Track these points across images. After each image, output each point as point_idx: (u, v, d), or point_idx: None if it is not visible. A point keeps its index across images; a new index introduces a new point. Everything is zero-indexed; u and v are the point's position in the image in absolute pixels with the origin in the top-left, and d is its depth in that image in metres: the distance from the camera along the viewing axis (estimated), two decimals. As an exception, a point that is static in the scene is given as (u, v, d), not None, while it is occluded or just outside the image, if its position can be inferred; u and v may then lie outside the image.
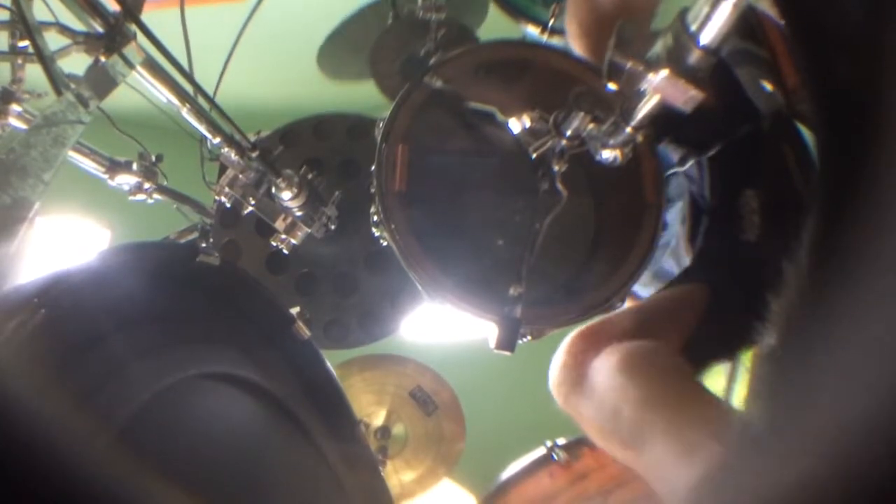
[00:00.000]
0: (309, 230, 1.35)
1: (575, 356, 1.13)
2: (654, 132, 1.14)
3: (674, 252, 1.37)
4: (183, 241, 1.83)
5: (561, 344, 1.17)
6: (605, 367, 1.07)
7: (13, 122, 1.30)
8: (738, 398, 1.69)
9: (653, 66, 0.73)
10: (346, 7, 2.08)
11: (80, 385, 0.72)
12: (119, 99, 0.95)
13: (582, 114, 0.91)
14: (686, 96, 0.71)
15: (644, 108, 0.80)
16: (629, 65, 0.75)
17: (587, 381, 1.09)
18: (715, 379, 1.65)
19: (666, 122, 0.85)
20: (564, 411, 1.14)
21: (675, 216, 1.35)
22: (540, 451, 1.67)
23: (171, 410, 0.86)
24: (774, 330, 0.40)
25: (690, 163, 1.31)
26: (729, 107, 1.24)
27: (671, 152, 1.31)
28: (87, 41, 0.92)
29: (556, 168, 1.01)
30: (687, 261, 1.34)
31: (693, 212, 1.34)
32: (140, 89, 1.02)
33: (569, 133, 0.95)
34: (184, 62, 1.05)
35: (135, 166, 1.55)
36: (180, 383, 0.87)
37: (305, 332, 1.23)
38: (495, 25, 2.00)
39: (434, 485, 2.27)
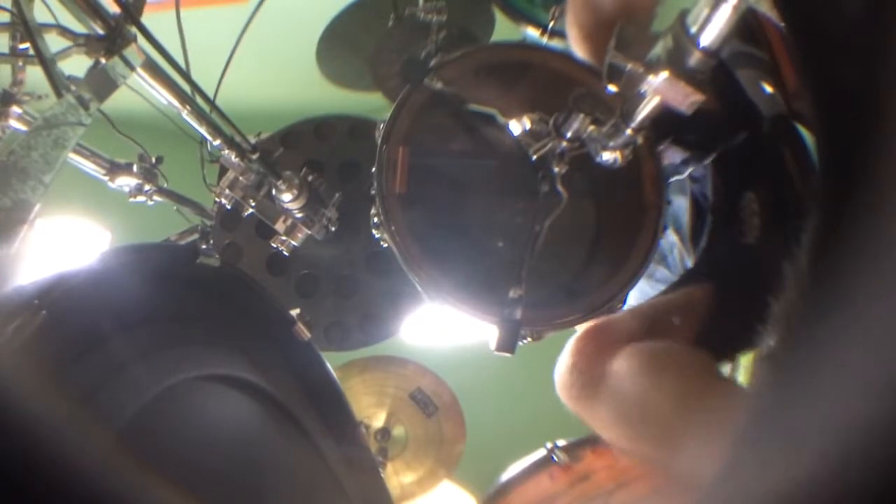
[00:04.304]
0: (309, 232, 1.35)
1: (586, 358, 1.11)
2: (655, 134, 1.14)
3: (667, 257, 1.37)
4: (183, 242, 1.83)
5: (567, 346, 1.16)
6: (627, 369, 1.05)
7: (14, 123, 1.30)
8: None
9: (653, 67, 0.73)
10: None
11: (81, 386, 0.72)
12: (119, 101, 0.95)
13: (582, 116, 0.91)
14: (686, 98, 0.72)
15: (644, 110, 0.80)
16: (629, 66, 0.75)
17: (605, 383, 1.07)
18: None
19: (666, 124, 0.85)
20: (572, 412, 1.12)
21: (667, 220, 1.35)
22: (540, 453, 1.67)
23: (172, 412, 0.85)
24: (774, 331, 0.40)
25: (690, 169, 1.30)
26: (729, 109, 1.23)
27: (672, 157, 1.31)
28: (88, 43, 0.92)
29: (556, 170, 1.01)
30: (688, 263, 1.34)
31: (695, 211, 1.34)
32: (140, 91, 1.02)
33: (569, 135, 0.95)
34: (183, 64, 1.05)
35: (135, 168, 1.55)
36: (180, 385, 0.87)
37: (306, 334, 1.22)
38: (496, 28, 2.01)
39: (434, 486, 2.26)
